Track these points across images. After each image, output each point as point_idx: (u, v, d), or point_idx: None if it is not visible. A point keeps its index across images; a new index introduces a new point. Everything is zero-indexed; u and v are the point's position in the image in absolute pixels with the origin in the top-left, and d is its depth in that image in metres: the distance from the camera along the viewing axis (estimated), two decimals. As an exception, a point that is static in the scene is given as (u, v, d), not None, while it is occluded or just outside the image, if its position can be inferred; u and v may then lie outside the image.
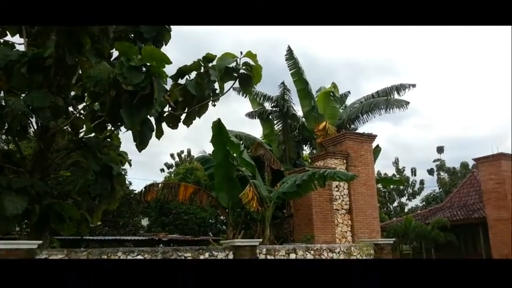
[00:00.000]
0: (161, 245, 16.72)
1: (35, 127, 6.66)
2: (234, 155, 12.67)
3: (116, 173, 6.48)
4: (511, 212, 18.51)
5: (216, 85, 6.42)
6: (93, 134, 7.04)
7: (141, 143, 6.01)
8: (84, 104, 7.04)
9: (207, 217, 23.83)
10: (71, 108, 7.15)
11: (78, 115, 7.11)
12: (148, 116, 5.96)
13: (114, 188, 6.59)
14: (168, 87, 6.25)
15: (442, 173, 43.24)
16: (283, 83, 16.68)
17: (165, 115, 6.46)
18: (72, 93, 7.05)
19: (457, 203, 24.12)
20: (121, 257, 6.78)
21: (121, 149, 7.71)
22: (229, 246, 8.01)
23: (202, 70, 6.33)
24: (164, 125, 6.45)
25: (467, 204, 23.12)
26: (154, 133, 6.16)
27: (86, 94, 6.72)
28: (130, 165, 8.55)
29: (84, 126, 7.18)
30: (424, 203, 40.53)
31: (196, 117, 6.76)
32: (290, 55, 16.61)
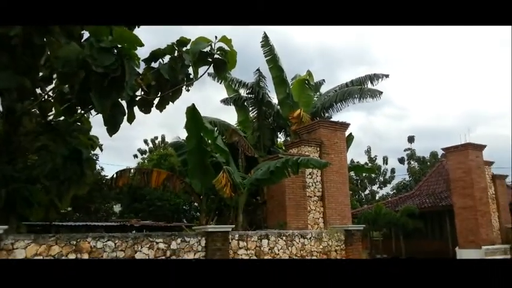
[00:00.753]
0: (134, 231, 16.56)
1: (0, 109, 6.42)
2: (208, 141, 12.60)
3: (85, 158, 6.33)
4: (476, 200, 19.20)
5: (190, 70, 6.32)
6: (62, 118, 6.84)
7: (112, 127, 5.87)
8: (53, 85, 6.82)
9: (181, 203, 23.73)
10: (38, 90, 6.91)
11: (46, 97, 6.88)
12: (120, 100, 5.82)
13: (84, 172, 6.45)
14: (141, 70, 6.11)
15: (412, 162, 44.45)
16: (258, 69, 16.63)
17: (137, 99, 6.32)
18: (40, 74, 6.81)
19: (425, 191, 24.84)
20: (91, 243, 6.69)
21: (92, 133, 7.52)
22: (202, 232, 8.02)
23: (176, 54, 6.20)
24: (136, 109, 6.32)
25: (435, 193, 23.84)
26: (125, 117, 6.03)
27: (54, 76, 6.50)
28: (102, 149, 8.36)
29: (53, 109, 6.96)
30: (394, 191, 41.65)
31: (170, 102, 6.66)
32: (266, 42, 16.54)
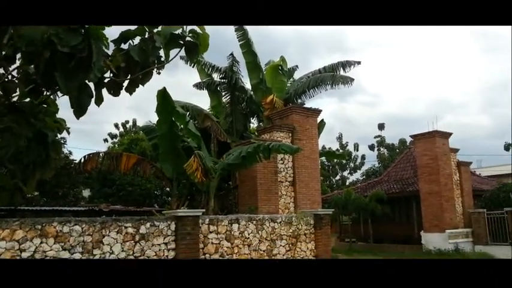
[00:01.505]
0: (103, 216, 16.25)
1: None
2: (180, 125, 12.47)
3: (51, 140, 6.14)
4: (441, 186, 19.85)
5: (161, 52, 6.20)
6: (28, 99, 6.61)
7: (79, 110, 5.70)
8: (17, 65, 6.55)
9: (152, 188, 23.47)
10: (1, 70, 6.63)
11: (10, 77, 6.61)
12: (87, 81, 5.67)
13: (49, 156, 6.27)
14: (110, 52, 5.95)
15: (382, 149, 45.43)
16: (232, 54, 16.47)
17: (105, 81, 6.17)
18: (3, 53, 6.52)
19: (393, 177, 25.44)
20: (56, 227, 6.56)
21: (60, 116, 7.32)
22: (172, 217, 7.98)
23: (146, 36, 6.06)
24: (106, 92, 6.17)
25: (403, 178, 24.46)
26: (93, 99, 5.88)
27: (18, 55, 6.25)
28: (69, 132, 8.14)
29: (18, 90, 6.71)
30: (364, 176, 42.46)
31: (140, 85, 6.53)
32: (240, 26, 16.37)
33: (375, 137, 46.65)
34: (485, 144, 73.63)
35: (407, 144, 38.69)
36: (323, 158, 39.12)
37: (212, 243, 8.54)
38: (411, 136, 22.27)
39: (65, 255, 6.58)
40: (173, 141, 11.32)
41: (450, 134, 21.10)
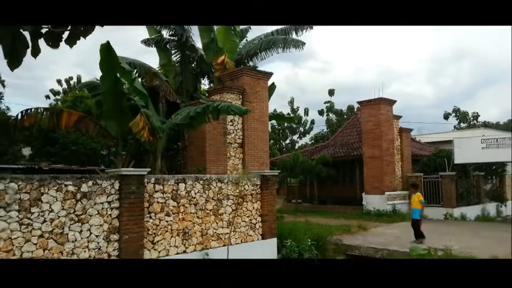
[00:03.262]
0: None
1: None
2: (126, 83, 12.03)
3: (-18, 93, 5.77)
4: (383, 151, 20.78)
5: (104, 3, 5.87)
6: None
7: (13, 61, 5.33)
8: None
9: (98, 148, 22.79)
10: None
11: None
12: (22, 31, 5.29)
13: (-19, 109, 5.90)
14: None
15: (330, 114, 46.58)
16: (182, 10, 15.89)
17: (43, 31, 5.78)
18: None
19: (340, 142, 26.30)
20: (-10, 184, 6.23)
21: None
22: (116, 175, 7.82)
23: (86, -16, 5.69)
24: (45, 45, 5.79)
25: (348, 143, 25.35)
26: (30, 51, 5.52)
27: None
28: (4, 86, 7.71)
29: None
30: (312, 141, 43.58)
31: (82, 39, 6.19)
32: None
33: (325, 103, 47.71)
34: (426, 112, 77.41)
35: (355, 110, 39.87)
36: (274, 122, 39.41)
37: (158, 202, 8.52)
38: (358, 102, 22.93)
39: (1, 213, 6.32)
40: (118, 98, 10.92)
41: (394, 101, 21.94)
